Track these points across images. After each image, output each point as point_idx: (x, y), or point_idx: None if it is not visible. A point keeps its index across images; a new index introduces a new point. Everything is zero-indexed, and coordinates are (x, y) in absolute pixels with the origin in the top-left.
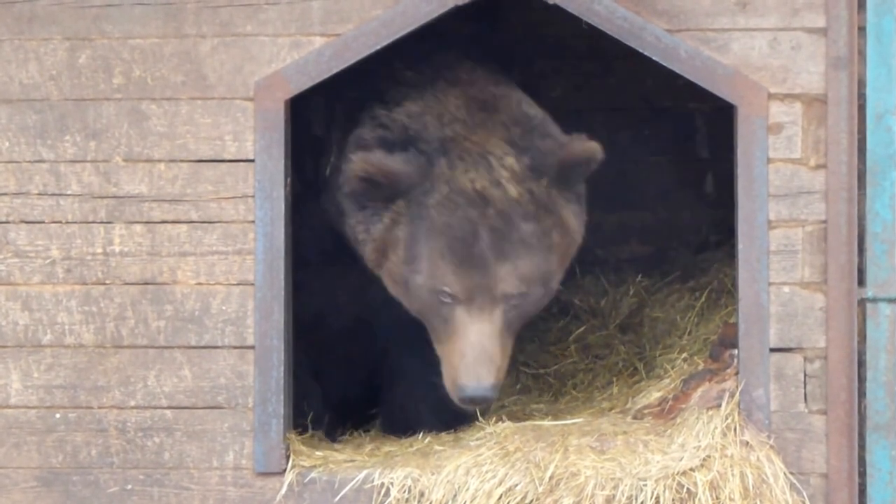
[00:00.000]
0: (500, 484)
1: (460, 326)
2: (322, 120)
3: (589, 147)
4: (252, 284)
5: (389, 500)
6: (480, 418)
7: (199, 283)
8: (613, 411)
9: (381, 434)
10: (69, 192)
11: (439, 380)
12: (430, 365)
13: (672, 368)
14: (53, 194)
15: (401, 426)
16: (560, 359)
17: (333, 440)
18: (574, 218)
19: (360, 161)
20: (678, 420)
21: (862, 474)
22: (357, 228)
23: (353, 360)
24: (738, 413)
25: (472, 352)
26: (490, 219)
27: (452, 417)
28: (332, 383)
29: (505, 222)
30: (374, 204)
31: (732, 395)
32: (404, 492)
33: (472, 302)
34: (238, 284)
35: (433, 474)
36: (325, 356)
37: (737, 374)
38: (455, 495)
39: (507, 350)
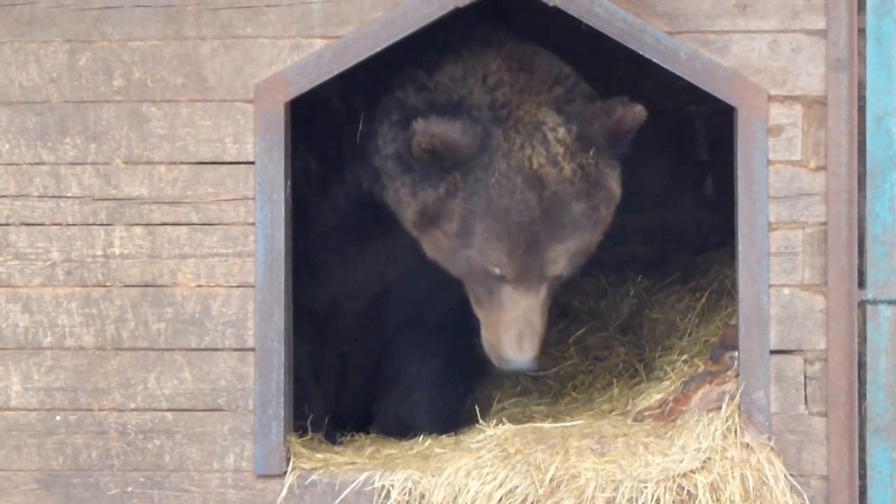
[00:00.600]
0: (500, 486)
1: (507, 300)
2: (336, 91)
3: (636, 112)
4: (252, 286)
5: (390, 502)
6: (481, 421)
7: (200, 286)
8: (614, 413)
9: (380, 437)
10: (69, 195)
11: (437, 387)
12: (430, 369)
13: (672, 370)
14: (54, 196)
15: (396, 433)
16: (560, 360)
17: (333, 442)
18: (616, 183)
19: (425, 130)
20: (678, 422)
21: (862, 476)
22: (401, 192)
23: (354, 363)
24: (739, 415)
25: (517, 326)
26: (546, 201)
27: (447, 425)
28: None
29: (560, 205)
30: (422, 167)
31: (733, 397)
32: (405, 494)
33: (521, 281)
34: (238, 286)
35: (434, 476)
36: (327, 356)
37: (737, 376)
38: (455, 497)
39: (546, 319)
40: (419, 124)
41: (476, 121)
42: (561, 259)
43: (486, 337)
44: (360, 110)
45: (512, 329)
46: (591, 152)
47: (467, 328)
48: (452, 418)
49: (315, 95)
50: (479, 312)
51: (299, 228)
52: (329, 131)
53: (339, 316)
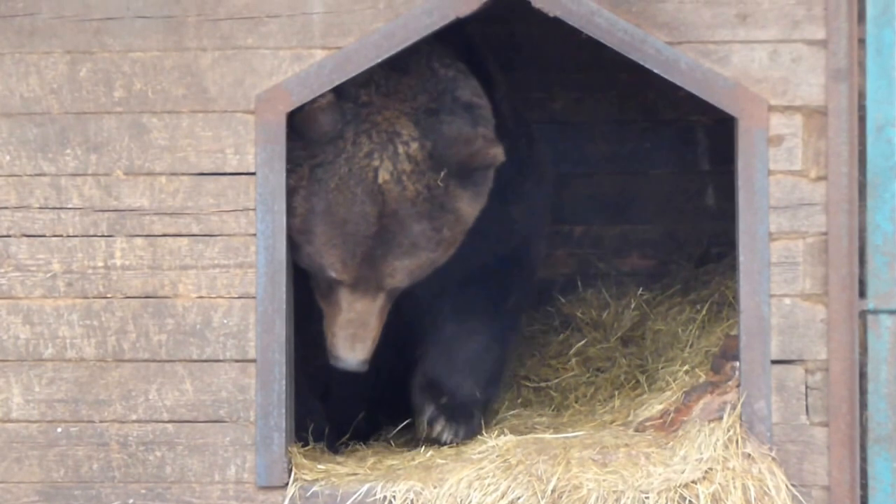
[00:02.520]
0: (502, 497)
1: (343, 302)
2: None
3: (492, 154)
4: (254, 298)
5: None
6: (484, 432)
7: (201, 297)
8: (615, 424)
9: (383, 447)
10: (70, 206)
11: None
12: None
13: (674, 381)
14: (54, 208)
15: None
16: (561, 372)
17: (335, 452)
18: (469, 206)
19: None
20: (680, 432)
21: (864, 486)
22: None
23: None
24: (740, 425)
25: (352, 328)
26: (385, 218)
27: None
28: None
29: (399, 223)
30: (293, 146)
31: (734, 408)
32: None
33: (357, 287)
34: (239, 298)
35: (435, 487)
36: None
37: (738, 386)
38: None
39: (383, 319)
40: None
41: (341, 111)
42: (398, 274)
43: (326, 329)
44: None
45: (346, 329)
46: (442, 174)
47: (501, 293)
48: (492, 381)
49: None
50: (322, 305)
51: None
52: None
53: None
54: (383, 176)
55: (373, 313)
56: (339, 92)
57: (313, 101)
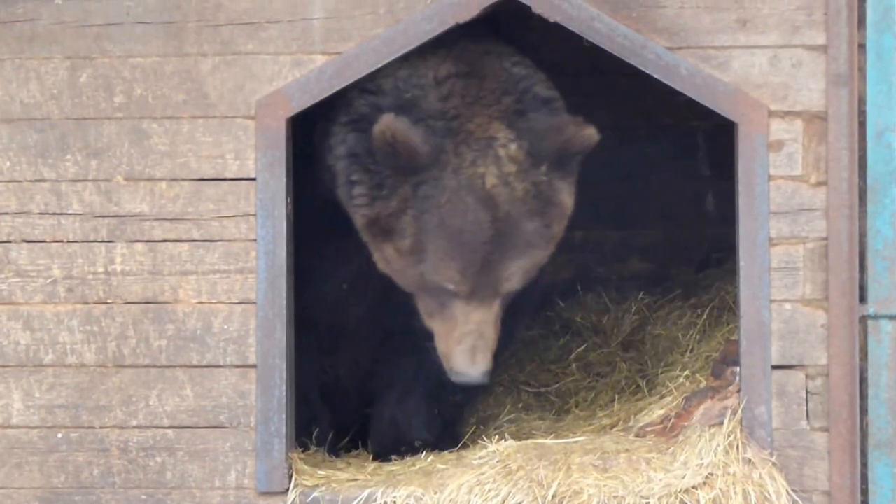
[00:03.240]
0: (502, 503)
1: (460, 314)
2: None
3: (586, 135)
4: (254, 303)
5: None
6: (483, 437)
7: (201, 302)
8: (616, 429)
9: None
10: (70, 212)
11: (434, 393)
12: (428, 373)
13: (674, 386)
14: (55, 213)
15: (390, 439)
16: (562, 377)
17: (336, 456)
18: (569, 197)
19: (387, 125)
20: (681, 438)
21: (864, 491)
22: (355, 193)
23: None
24: (741, 430)
25: (471, 339)
26: (499, 221)
27: (444, 432)
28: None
29: (513, 224)
30: (378, 170)
31: (734, 413)
32: None
33: (474, 296)
34: (240, 303)
35: (436, 493)
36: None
37: (739, 391)
38: None
39: (499, 331)
40: (383, 118)
41: (431, 129)
42: (514, 277)
43: (440, 348)
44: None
45: (465, 342)
46: (543, 168)
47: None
48: (450, 426)
49: None
50: (432, 324)
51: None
52: (304, 128)
53: (344, 322)
54: (490, 181)
55: (490, 322)
56: (407, 109)
57: (389, 129)
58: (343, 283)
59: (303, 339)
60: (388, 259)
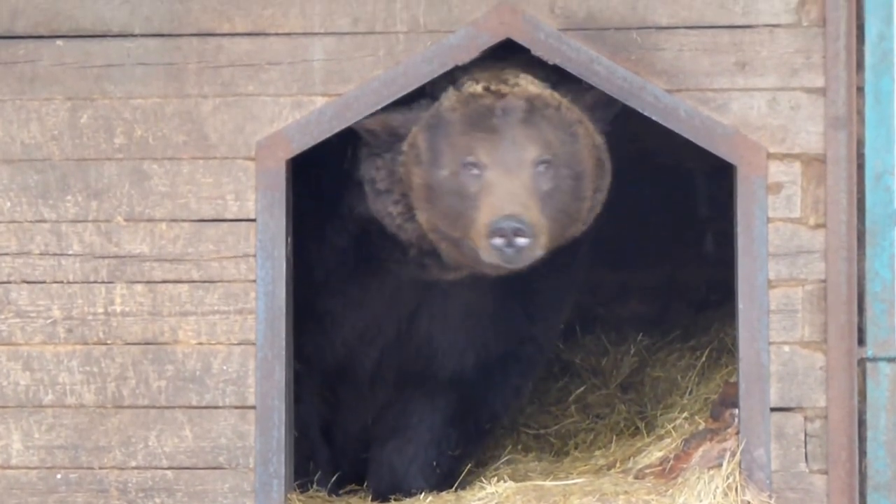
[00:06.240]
0: None
1: (492, 185)
2: None
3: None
4: (253, 344)
5: None
6: (483, 479)
7: (201, 343)
8: (615, 471)
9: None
10: (70, 252)
11: (435, 444)
12: (431, 423)
13: (673, 428)
14: (55, 254)
15: (386, 485)
16: (561, 418)
17: (336, 495)
18: (599, 137)
19: (369, 121)
20: (680, 480)
21: None
22: (378, 174)
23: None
24: (740, 473)
25: (501, 192)
26: (508, 100)
27: (440, 483)
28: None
29: (525, 101)
30: (379, 144)
31: (733, 455)
32: None
33: (501, 165)
34: (239, 344)
35: None
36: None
37: (738, 433)
38: None
39: (539, 211)
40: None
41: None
42: (534, 144)
43: (473, 234)
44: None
45: (496, 195)
46: (567, 92)
47: (479, 389)
48: (446, 478)
49: None
50: (457, 232)
51: (298, 274)
52: (326, 165)
53: (355, 364)
54: (496, 85)
55: (522, 188)
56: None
57: (363, 128)
58: (355, 328)
59: (308, 379)
60: (418, 191)
